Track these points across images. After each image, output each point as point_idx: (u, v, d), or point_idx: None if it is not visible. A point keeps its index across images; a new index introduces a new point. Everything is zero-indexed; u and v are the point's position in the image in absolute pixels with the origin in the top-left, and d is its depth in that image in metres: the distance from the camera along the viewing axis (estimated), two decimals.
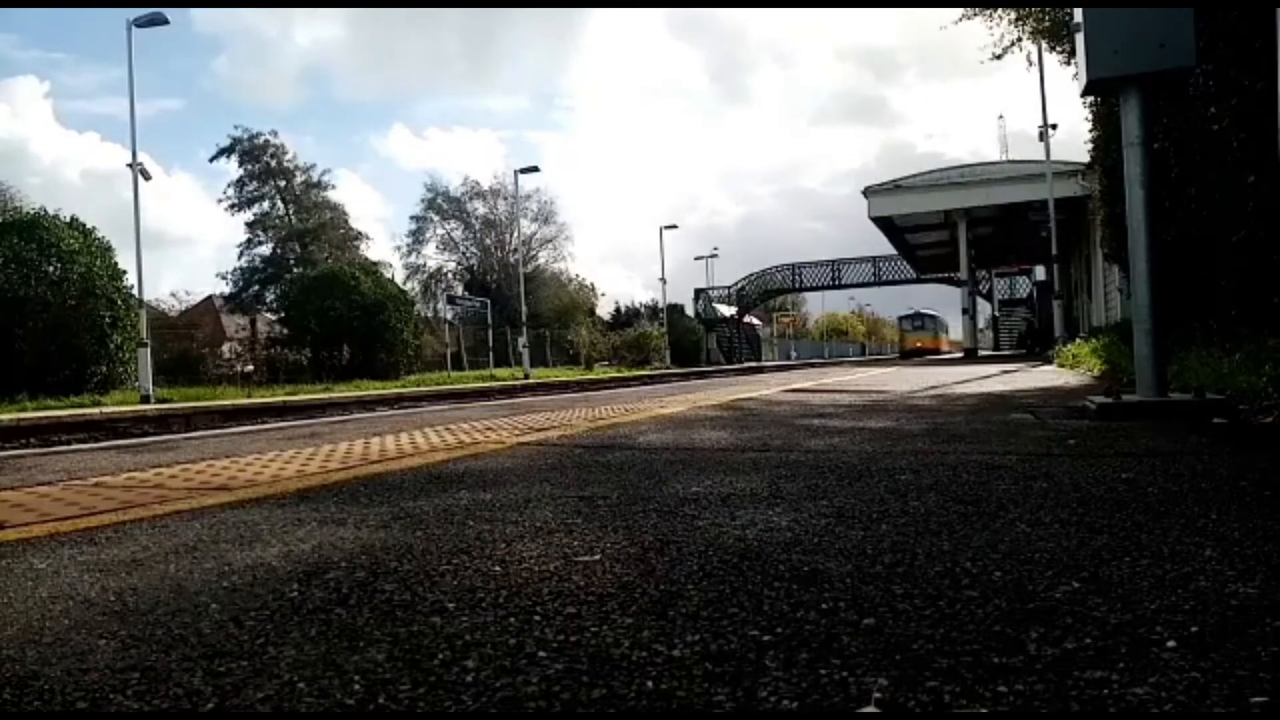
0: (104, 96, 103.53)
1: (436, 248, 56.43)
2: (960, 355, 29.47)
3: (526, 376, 24.28)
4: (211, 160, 49.01)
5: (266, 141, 48.01)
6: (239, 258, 48.25)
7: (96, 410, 11.04)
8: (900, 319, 61.69)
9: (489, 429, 4.31)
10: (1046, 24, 11.65)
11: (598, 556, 1.56)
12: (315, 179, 49.98)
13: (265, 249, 48.44)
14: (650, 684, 0.96)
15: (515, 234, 46.68)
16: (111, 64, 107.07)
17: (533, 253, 54.34)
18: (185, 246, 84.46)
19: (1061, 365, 12.69)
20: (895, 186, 30.38)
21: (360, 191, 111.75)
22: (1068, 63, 12.18)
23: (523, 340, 27.14)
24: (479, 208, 56.20)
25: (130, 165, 15.92)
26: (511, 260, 47.43)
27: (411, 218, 57.72)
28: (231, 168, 49.04)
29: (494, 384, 20.11)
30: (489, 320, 33.18)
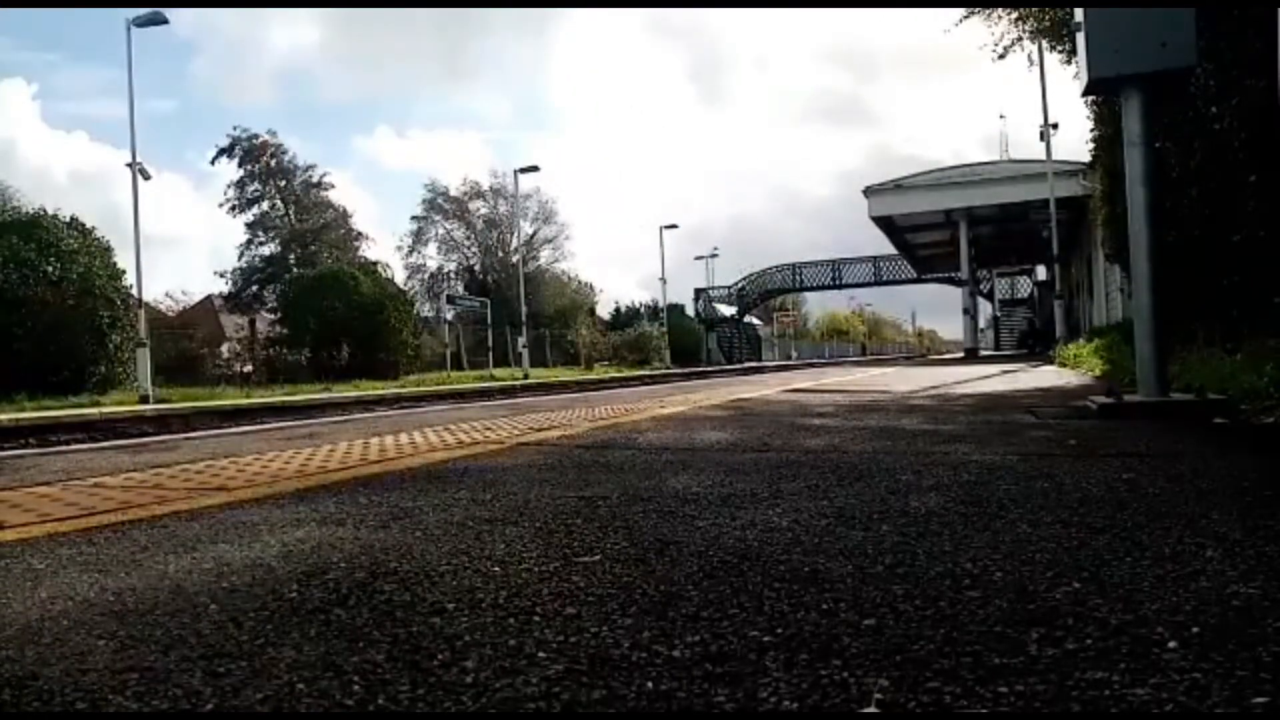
0: (92, 98, 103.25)
1: (437, 248, 56.44)
2: (961, 355, 29.36)
3: (526, 376, 24.26)
4: (212, 162, 48.83)
5: (265, 142, 47.97)
6: (239, 258, 48.28)
7: (95, 410, 11.03)
8: None
9: (489, 429, 4.30)
10: (1047, 23, 11.64)
11: (598, 557, 1.56)
12: (315, 179, 49.99)
13: (265, 249, 48.43)
14: (650, 685, 0.96)
15: (516, 234, 46.70)
16: (99, 65, 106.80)
17: (533, 252, 54.30)
18: (173, 247, 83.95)
19: (1063, 365, 12.69)
20: (896, 186, 30.34)
21: (349, 193, 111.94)
22: (1068, 62, 12.17)
23: (522, 340, 27.11)
24: (480, 207, 56.19)
25: (130, 165, 15.90)
26: (513, 260, 47.35)
27: (412, 218, 57.60)
28: (230, 169, 49.06)
29: (494, 384, 20.10)
30: (489, 320, 33.16)
